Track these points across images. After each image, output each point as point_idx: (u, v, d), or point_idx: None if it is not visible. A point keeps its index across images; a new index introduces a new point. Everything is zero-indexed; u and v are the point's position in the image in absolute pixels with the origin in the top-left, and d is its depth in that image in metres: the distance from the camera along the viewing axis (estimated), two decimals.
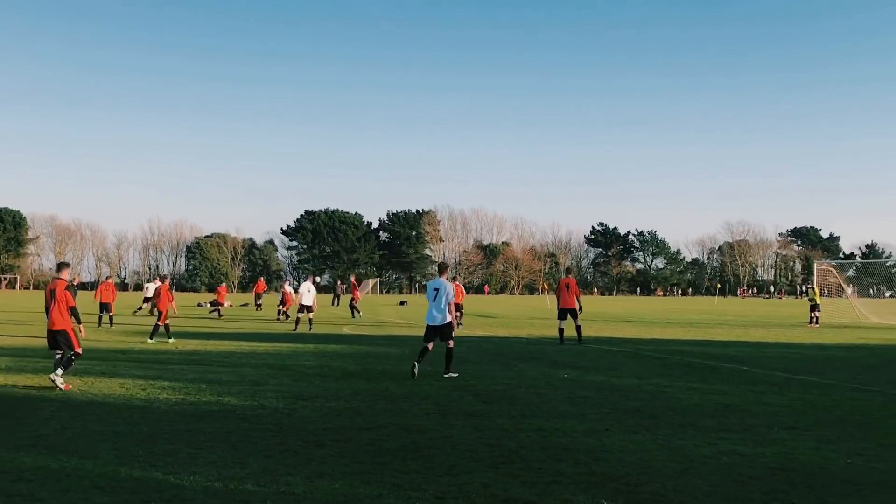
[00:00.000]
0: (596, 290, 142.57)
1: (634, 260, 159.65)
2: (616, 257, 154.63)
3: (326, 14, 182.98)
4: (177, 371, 15.38)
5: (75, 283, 13.47)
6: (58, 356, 12.98)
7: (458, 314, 28.65)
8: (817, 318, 34.69)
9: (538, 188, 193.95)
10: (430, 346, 14.94)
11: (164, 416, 10.34)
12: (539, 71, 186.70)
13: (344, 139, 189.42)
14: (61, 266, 13.87)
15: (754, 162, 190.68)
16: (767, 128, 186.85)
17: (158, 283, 24.92)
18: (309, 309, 28.36)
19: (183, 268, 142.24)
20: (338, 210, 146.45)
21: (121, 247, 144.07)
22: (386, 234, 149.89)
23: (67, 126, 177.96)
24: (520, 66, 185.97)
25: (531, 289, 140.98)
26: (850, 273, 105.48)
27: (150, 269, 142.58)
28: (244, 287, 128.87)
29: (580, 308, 22.86)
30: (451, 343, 14.96)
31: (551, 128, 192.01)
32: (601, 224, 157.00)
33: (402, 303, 66.95)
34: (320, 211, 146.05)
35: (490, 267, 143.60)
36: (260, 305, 47.55)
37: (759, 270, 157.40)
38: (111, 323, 28.72)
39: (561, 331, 22.90)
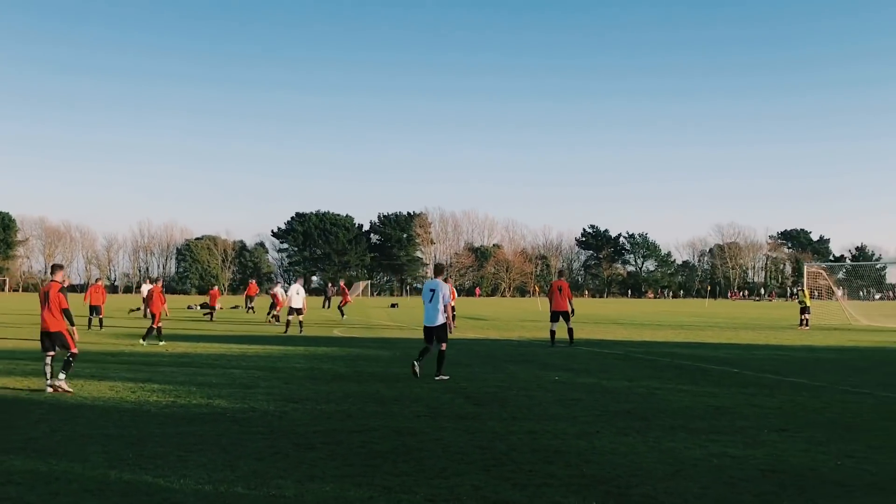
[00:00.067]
0: (587, 292, 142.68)
1: (625, 262, 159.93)
2: (607, 260, 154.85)
3: (316, 16, 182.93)
4: (167, 374, 15.34)
5: (65, 285, 13.45)
6: (48, 358, 12.93)
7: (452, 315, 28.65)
8: (807, 320, 34.80)
9: (529, 190, 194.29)
10: (432, 346, 15.01)
11: (154, 419, 10.31)
12: (531, 73, 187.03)
13: (335, 141, 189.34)
14: (55, 268, 13.88)
15: (745, 164, 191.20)
16: (758, 130, 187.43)
17: (149, 286, 24.91)
18: (299, 311, 28.32)
19: (173, 270, 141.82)
20: (329, 212, 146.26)
21: (111, 249, 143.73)
22: (377, 237, 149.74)
23: (57, 128, 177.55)
24: (512, 68, 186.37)
25: (522, 291, 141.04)
26: (840, 275, 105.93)
27: (140, 271, 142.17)
28: (235, 289, 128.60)
29: (572, 311, 22.89)
30: (444, 345, 14.97)
31: (543, 130, 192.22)
32: (592, 226, 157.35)
33: (392, 305, 66.89)
34: (311, 213, 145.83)
35: (481, 269, 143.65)
36: (252, 308, 47.48)
37: (750, 273, 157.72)
38: (101, 325, 28.65)
39: (552, 333, 22.91)
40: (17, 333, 26.10)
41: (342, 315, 39.17)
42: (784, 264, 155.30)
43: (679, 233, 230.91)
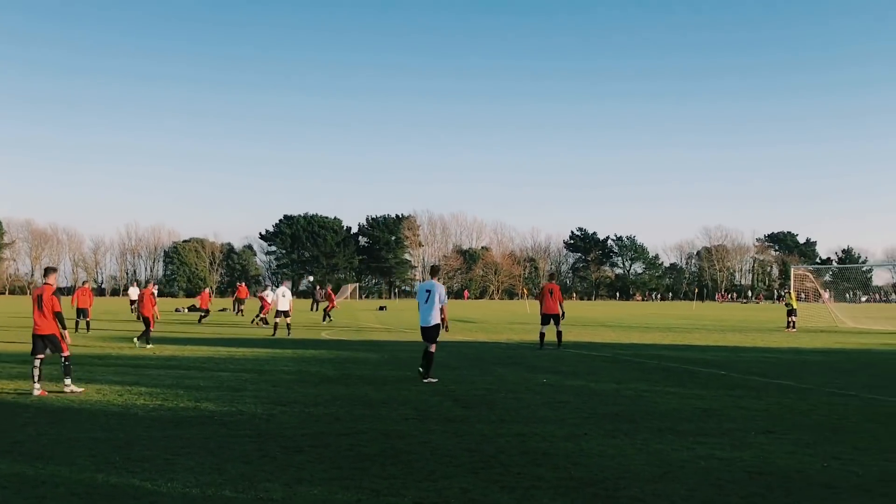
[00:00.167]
0: (575, 294, 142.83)
1: (613, 265, 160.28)
2: (595, 262, 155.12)
3: (305, 18, 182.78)
4: (154, 377, 15.29)
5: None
6: (37, 362, 12.92)
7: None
8: (794, 322, 34.94)
9: (518, 193, 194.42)
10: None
11: (142, 422, 10.27)
12: (522, 76, 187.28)
13: (323, 143, 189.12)
14: (48, 271, 13.91)
15: (732, 167, 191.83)
16: (745, 133, 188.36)
17: (137, 289, 24.90)
18: (286, 314, 28.30)
19: (161, 273, 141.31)
20: (317, 215, 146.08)
21: (98, 251, 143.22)
22: (365, 239, 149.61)
23: (44, 130, 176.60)
24: (502, 71, 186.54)
25: (510, 293, 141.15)
26: (827, 278, 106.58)
27: (127, 274, 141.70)
28: (223, 292, 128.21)
29: (563, 314, 22.94)
30: (433, 347, 14.99)
31: (531, 133, 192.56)
32: (580, 229, 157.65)
33: (381, 308, 66.84)
34: (299, 216, 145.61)
35: (470, 272, 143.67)
36: (241, 311, 47.38)
37: (737, 275, 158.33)
38: (88, 328, 28.54)
39: (542, 335, 22.95)
40: (4, 336, 25.96)
41: (328, 319, 39.01)
42: (771, 267, 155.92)
43: (667, 235, 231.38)
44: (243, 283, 56.42)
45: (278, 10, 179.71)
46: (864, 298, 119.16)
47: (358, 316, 48.94)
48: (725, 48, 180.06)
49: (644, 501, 6.72)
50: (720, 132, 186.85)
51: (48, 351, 13.02)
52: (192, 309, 46.86)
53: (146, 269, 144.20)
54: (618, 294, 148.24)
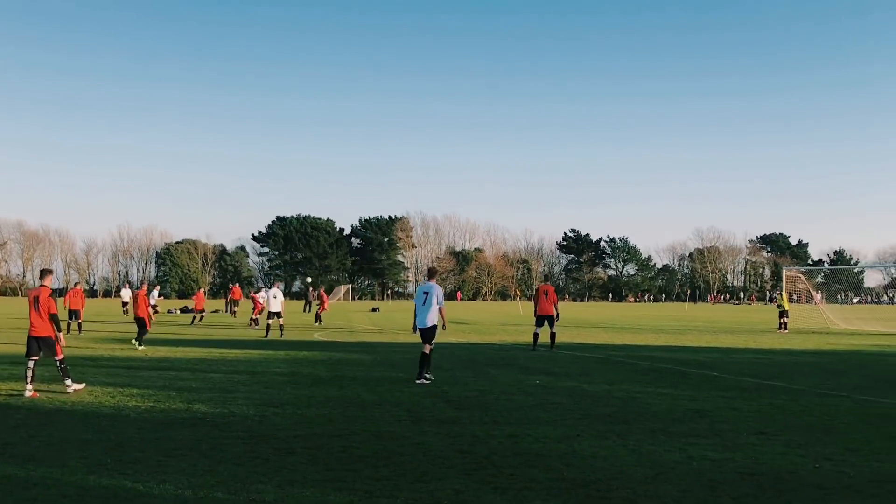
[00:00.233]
0: (567, 296, 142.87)
1: (606, 266, 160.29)
2: (588, 264, 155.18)
3: (297, 20, 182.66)
4: (146, 378, 15.25)
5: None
6: (31, 363, 12.92)
7: None
8: (786, 323, 35.05)
9: (511, 194, 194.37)
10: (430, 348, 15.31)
11: (134, 424, 10.25)
12: (511, 77, 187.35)
13: (315, 145, 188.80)
14: (44, 273, 13.91)
15: (725, 168, 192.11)
16: (738, 134, 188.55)
17: (129, 290, 24.84)
18: (278, 315, 28.30)
19: (153, 274, 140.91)
20: (309, 216, 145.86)
21: (90, 253, 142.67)
22: (358, 241, 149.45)
23: (35, 131, 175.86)
24: (494, 72, 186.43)
25: (504, 295, 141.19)
26: (819, 279, 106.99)
27: (119, 275, 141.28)
28: (215, 293, 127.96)
29: (557, 315, 22.96)
30: (428, 348, 15.06)
31: (525, 134, 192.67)
32: (573, 230, 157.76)
33: (374, 309, 66.76)
34: (292, 217, 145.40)
35: (462, 273, 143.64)
36: (235, 312, 47.29)
37: (729, 277, 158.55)
38: (80, 330, 28.48)
39: (536, 335, 23.00)
40: None
41: (320, 322, 38.98)
42: (763, 268, 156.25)
43: (659, 237, 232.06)
44: (237, 285, 56.34)
45: (272, 11, 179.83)
46: (855, 300, 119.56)
47: (351, 317, 48.89)
48: (718, 49, 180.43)
49: (636, 502, 6.74)
50: (712, 134, 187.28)
51: (44, 352, 13.04)
52: (184, 310, 46.71)
53: (138, 270, 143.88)
54: (610, 295, 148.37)
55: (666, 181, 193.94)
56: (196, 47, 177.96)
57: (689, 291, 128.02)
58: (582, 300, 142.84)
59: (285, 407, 11.77)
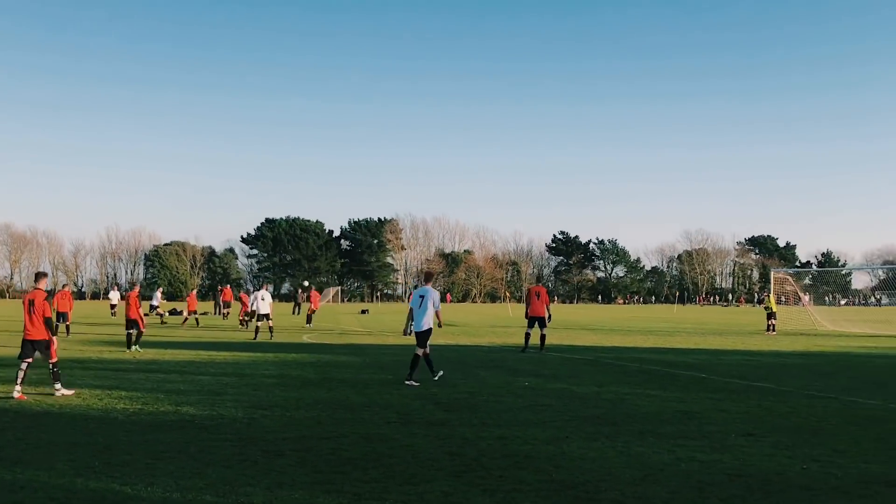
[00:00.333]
0: (556, 298, 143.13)
1: (595, 268, 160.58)
2: (577, 265, 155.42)
3: (288, 21, 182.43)
4: (134, 381, 15.21)
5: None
6: (24, 365, 12.89)
7: None
8: (774, 325, 35.18)
9: (500, 196, 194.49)
10: (426, 350, 15.42)
11: (122, 427, 10.22)
12: (501, 78, 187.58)
13: (305, 146, 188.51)
14: (39, 276, 13.91)
15: (713, 170, 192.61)
16: (726, 136, 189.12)
17: (117, 292, 24.72)
18: (267, 317, 28.28)
19: (141, 276, 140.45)
20: (298, 218, 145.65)
21: (78, 255, 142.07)
22: (347, 243, 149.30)
23: (23, 132, 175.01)
24: (484, 74, 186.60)
25: (493, 297, 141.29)
26: (807, 281, 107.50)
27: (107, 277, 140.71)
28: (204, 295, 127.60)
29: (549, 317, 22.98)
30: (421, 351, 15.15)
31: (514, 136, 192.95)
32: (562, 232, 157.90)
33: (363, 311, 66.69)
34: (281, 219, 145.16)
35: (452, 275, 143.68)
36: (226, 314, 47.18)
37: (718, 279, 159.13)
38: (67, 332, 28.35)
39: (527, 336, 23.05)
40: None
41: (310, 322, 39.07)
42: (751, 270, 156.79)
43: (648, 239, 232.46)
44: (228, 286, 56.23)
45: (258, 12, 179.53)
46: (843, 301, 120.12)
47: (340, 319, 48.84)
48: (710, 50, 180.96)
49: None
50: (701, 135, 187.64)
51: (37, 354, 13.03)
52: (172, 312, 46.57)
53: (127, 272, 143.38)
54: (600, 297, 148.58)
55: (654, 183, 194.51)
56: (184, 49, 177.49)
57: (677, 293, 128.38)
58: (571, 302, 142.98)
59: (274, 409, 11.75)
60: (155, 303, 44.63)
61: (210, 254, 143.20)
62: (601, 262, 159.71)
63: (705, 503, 6.82)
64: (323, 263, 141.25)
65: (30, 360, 12.98)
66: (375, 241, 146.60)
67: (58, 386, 13.05)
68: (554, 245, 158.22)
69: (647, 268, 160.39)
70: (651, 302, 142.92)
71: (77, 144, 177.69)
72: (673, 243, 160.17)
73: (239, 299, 40.79)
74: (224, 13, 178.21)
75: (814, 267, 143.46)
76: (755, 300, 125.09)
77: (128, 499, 6.77)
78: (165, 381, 15.25)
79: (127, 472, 7.68)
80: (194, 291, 45.91)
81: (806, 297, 51.47)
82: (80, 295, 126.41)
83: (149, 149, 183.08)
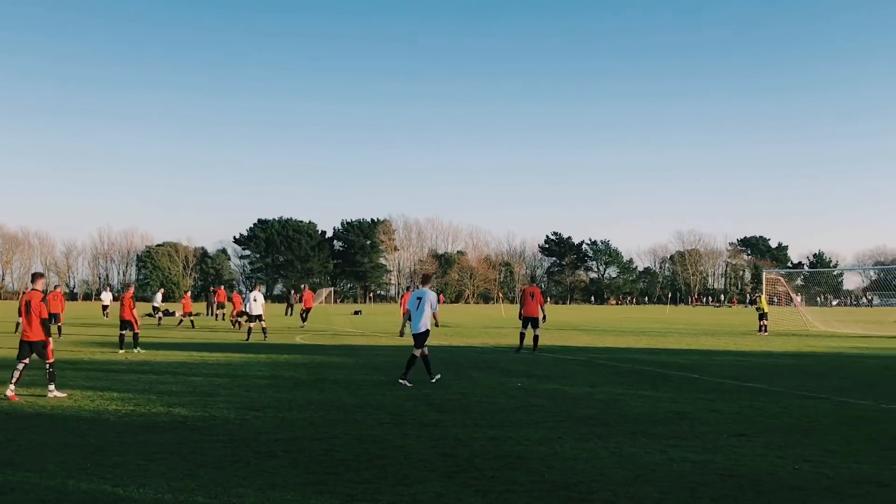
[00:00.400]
0: (549, 299, 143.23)
1: (588, 269, 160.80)
2: (570, 266, 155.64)
3: (279, 23, 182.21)
4: (126, 382, 15.18)
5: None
6: (21, 365, 12.87)
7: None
8: (766, 326, 35.25)
9: (493, 197, 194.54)
10: (425, 351, 15.44)
11: (114, 428, 10.20)
12: (493, 80, 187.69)
13: (298, 147, 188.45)
14: (36, 277, 13.89)
15: (705, 171, 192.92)
16: (718, 137, 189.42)
17: (108, 293, 24.62)
18: (260, 318, 28.27)
19: (133, 277, 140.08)
20: (291, 219, 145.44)
21: (70, 256, 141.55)
22: (340, 243, 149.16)
23: (14, 133, 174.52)
24: (477, 75, 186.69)
25: (486, 298, 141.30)
26: (799, 282, 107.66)
27: (99, 278, 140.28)
28: (196, 297, 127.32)
29: (544, 317, 23.00)
30: (417, 352, 15.23)
31: (507, 137, 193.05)
32: (555, 233, 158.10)
33: (356, 312, 66.68)
34: (273, 220, 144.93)
35: (445, 276, 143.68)
36: (218, 315, 47.08)
37: (710, 279, 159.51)
38: (59, 333, 28.26)
39: (522, 336, 23.10)
40: None
41: (304, 321, 39.17)
42: (743, 271, 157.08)
43: (641, 240, 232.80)
44: (222, 287, 56.10)
45: (251, 15, 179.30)
46: (834, 302, 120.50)
47: (332, 320, 48.80)
48: (705, 50, 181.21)
49: None
50: (692, 136, 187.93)
51: (35, 355, 13.02)
52: (166, 313, 46.43)
53: (119, 273, 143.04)
54: (592, 298, 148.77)
55: (647, 183, 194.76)
56: (175, 50, 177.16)
57: (669, 294, 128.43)
58: (564, 303, 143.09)
59: (266, 410, 11.74)
60: (157, 304, 44.45)
61: (202, 255, 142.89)
62: (594, 262, 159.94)
63: (697, 503, 6.84)
64: (316, 264, 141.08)
65: (26, 360, 13.00)
66: (368, 242, 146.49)
67: (51, 387, 13.02)
68: (547, 246, 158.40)
69: (640, 268, 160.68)
70: (643, 303, 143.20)
71: (69, 145, 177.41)
72: (665, 244, 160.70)
73: (230, 300, 40.69)
74: (217, 15, 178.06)
75: (805, 267, 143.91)
76: (747, 301, 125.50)
77: (120, 500, 6.75)
78: (157, 382, 15.22)
79: (119, 473, 7.67)
80: (188, 293, 45.82)
81: (797, 298, 51.58)
82: (72, 296, 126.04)
83: (141, 150, 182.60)
